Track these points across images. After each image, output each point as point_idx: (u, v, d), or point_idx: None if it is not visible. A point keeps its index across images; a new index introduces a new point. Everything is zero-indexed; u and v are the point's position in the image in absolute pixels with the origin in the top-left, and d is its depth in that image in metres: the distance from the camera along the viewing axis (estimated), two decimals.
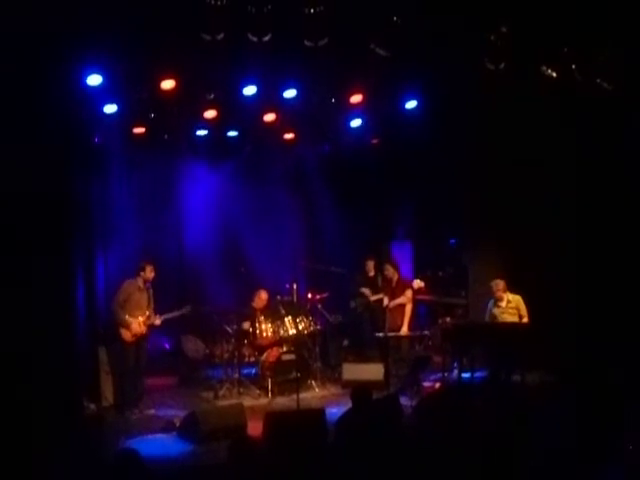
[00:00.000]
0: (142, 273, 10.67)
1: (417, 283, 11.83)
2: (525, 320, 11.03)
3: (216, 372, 11.89)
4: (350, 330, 13.12)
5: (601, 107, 10.64)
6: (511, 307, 11.11)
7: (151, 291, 10.83)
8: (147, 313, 10.66)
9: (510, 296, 11.14)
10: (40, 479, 7.62)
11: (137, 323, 10.51)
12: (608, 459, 6.25)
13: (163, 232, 13.42)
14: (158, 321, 10.77)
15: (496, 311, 11.19)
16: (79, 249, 10.77)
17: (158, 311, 10.84)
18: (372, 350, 12.05)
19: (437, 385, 11.36)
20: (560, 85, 10.11)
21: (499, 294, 11.13)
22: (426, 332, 12.55)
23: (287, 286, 12.56)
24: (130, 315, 10.50)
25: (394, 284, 11.84)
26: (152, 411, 10.55)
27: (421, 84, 11.18)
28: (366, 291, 12.48)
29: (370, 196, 14.79)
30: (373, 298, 12.21)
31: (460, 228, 14.05)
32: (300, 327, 11.97)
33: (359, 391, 7.57)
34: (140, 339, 10.60)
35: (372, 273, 12.61)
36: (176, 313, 11.04)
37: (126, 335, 10.47)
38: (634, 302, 10.85)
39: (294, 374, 10.80)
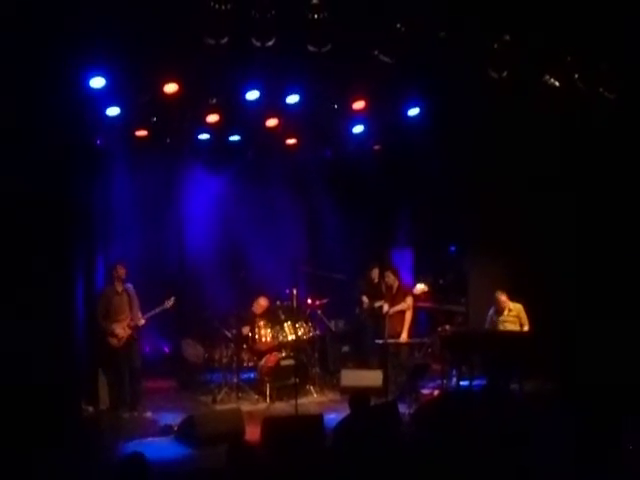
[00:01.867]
0: (114, 273, 10.71)
1: (420, 288, 11.80)
2: (526, 328, 11.07)
3: (215, 376, 11.89)
4: (353, 336, 13.13)
5: (604, 116, 10.64)
6: (512, 315, 11.16)
7: (132, 291, 10.81)
8: (130, 315, 10.65)
9: (511, 305, 11.20)
10: None
11: (121, 328, 10.55)
12: (607, 467, 6.25)
13: (164, 236, 13.42)
14: (142, 321, 10.76)
15: (497, 319, 11.28)
16: (80, 251, 10.77)
17: (147, 311, 10.82)
18: (374, 357, 12.04)
19: (436, 393, 11.33)
20: (563, 94, 10.12)
21: (502, 305, 11.24)
22: (425, 340, 12.55)
23: (287, 291, 12.53)
24: (114, 321, 10.55)
25: (394, 291, 11.83)
26: (150, 414, 10.54)
27: (424, 91, 11.18)
28: (364, 299, 12.51)
29: (371, 202, 14.78)
30: (376, 305, 12.21)
31: (460, 235, 14.05)
32: (299, 333, 11.98)
33: (358, 397, 7.55)
34: (129, 342, 10.62)
35: (376, 280, 12.62)
36: (158, 309, 10.94)
37: (113, 342, 10.53)
38: (634, 309, 10.83)
39: (293, 379, 10.77)
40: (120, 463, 5.48)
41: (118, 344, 10.55)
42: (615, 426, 7.03)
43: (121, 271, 10.73)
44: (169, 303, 11.00)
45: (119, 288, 10.73)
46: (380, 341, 11.55)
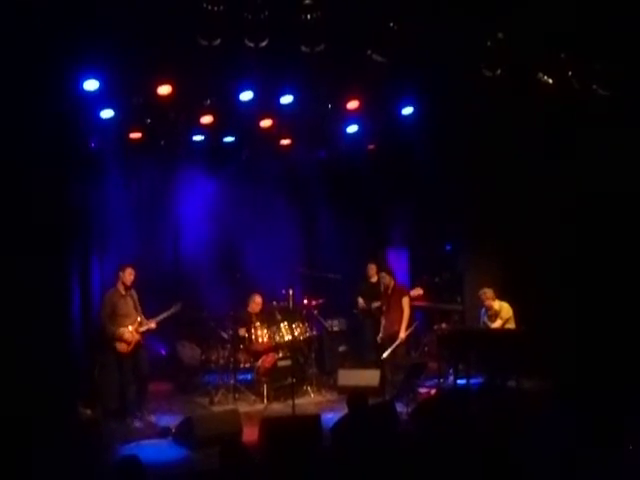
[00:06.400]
0: (121, 274, 10.37)
1: (415, 291, 11.85)
2: (509, 326, 11.16)
3: (212, 378, 11.90)
4: (350, 336, 13.15)
5: (598, 113, 10.65)
6: (493, 313, 11.39)
7: (135, 295, 10.54)
8: (138, 319, 10.42)
9: (497, 304, 11.29)
10: None
11: (129, 332, 10.27)
12: (607, 466, 6.26)
13: (159, 237, 13.41)
14: (153, 324, 10.52)
15: (487, 319, 11.49)
16: (75, 254, 10.74)
17: (150, 315, 10.62)
18: (371, 356, 12.04)
19: (433, 391, 11.35)
20: (557, 92, 10.12)
21: (488, 303, 11.41)
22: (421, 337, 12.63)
23: (283, 292, 12.52)
24: (120, 325, 10.26)
25: (390, 291, 11.82)
26: (153, 418, 10.41)
27: (417, 90, 11.19)
28: (360, 300, 12.54)
29: (366, 202, 14.80)
30: (374, 306, 12.24)
31: (456, 234, 14.06)
32: (296, 333, 11.96)
33: (355, 397, 7.55)
34: (136, 347, 10.38)
35: (374, 279, 12.62)
36: (166, 313, 10.73)
37: (121, 347, 10.24)
38: (632, 308, 10.84)
39: (290, 380, 10.78)
40: (116, 466, 5.49)
41: (127, 349, 10.25)
42: (615, 425, 7.03)
43: (129, 276, 10.38)
44: (177, 307, 10.81)
45: (123, 291, 10.41)
46: (378, 340, 11.58)
